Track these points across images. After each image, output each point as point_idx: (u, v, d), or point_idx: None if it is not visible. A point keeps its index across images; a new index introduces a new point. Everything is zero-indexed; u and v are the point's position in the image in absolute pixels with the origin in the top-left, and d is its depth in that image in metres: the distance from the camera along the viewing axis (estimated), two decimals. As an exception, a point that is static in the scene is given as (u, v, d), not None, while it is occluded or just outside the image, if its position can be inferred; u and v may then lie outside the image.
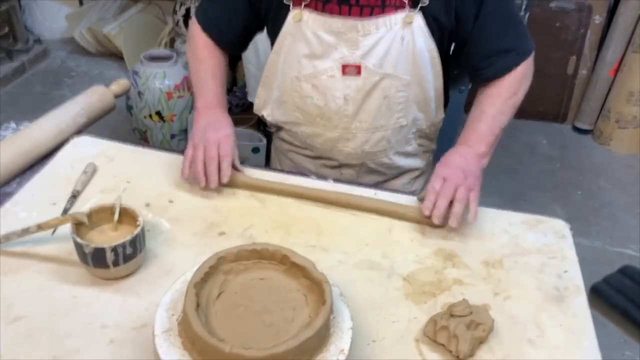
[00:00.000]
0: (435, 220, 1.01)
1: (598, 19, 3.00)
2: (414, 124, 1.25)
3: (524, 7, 2.59)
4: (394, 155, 1.29)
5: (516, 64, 1.15)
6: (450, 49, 1.21)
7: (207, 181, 1.08)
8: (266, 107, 1.30)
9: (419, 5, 1.07)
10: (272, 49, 1.20)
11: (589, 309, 0.92)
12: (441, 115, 1.28)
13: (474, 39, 1.13)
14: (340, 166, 1.30)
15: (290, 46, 1.15)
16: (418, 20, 1.08)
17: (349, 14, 1.08)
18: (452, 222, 1.00)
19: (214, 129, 1.12)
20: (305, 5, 1.10)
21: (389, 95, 1.16)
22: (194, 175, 1.09)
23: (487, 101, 1.15)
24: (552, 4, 2.99)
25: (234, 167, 1.12)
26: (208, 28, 1.22)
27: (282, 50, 1.16)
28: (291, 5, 1.11)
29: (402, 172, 1.35)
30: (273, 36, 1.18)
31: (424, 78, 1.16)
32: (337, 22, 1.09)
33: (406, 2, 1.07)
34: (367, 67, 1.12)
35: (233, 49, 1.27)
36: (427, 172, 1.40)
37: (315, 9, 1.09)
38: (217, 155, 1.08)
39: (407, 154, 1.31)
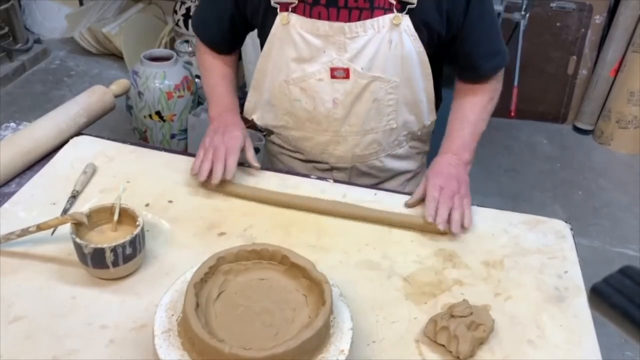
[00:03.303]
0: (441, 226, 1.04)
1: (598, 18, 3.00)
2: (405, 127, 1.25)
3: (524, 7, 2.59)
4: (385, 158, 1.29)
5: (501, 66, 1.21)
6: (439, 50, 1.21)
7: (211, 176, 1.09)
8: (256, 111, 1.30)
9: (407, 7, 1.06)
10: (261, 52, 1.19)
11: (589, 309, 0.92)
12: (432, 117, 1.28)
13: (463, 41, 1.14)
14: (332, 169, 1.30)
15: (279, 50, 1.14)
16: (406, 22, 1.08)
17: (337, 16, 1.07)
18: (455, 228, 1.04)
19: (222, 133, 1.15)
20: (292, 9, 1.09)
21: (378, 98, 1.16)
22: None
23: (468, 108, 1.21)
24: (553, 4, 2.99)
25: (246, 164, 1.17)
26: (200, 32, 1.28)
27: (270, 54, 1.16)
28: (278, 9, 1.10)
29: (394, 174, 1.34)
30: (262, 40, 1.18)
31: (413, 80, 1.16)
32: (324, 25, 1.08)
33: (394, 4, 1.06)
34: (355, 70, 1.11)
35: (222, 50, 1.29)
36: (420, 174, 1.39)
37: (303, 12, 1.09)
38: (224, 156, 1.10)
39: (399, 157, 1.31)
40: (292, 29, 1.10)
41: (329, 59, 1.11)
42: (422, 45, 1.11)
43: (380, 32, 1.08)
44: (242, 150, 1.16)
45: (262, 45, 1.18)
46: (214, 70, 1.29)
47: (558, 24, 3.03)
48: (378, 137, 1.23)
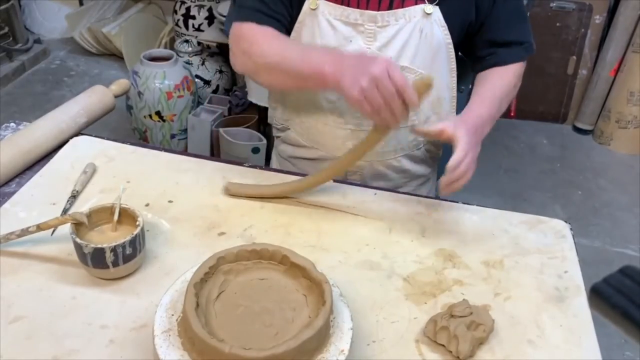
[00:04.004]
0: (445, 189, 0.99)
1: (598, 18, 3.01)
2: (425, 125, 1.23)
3: (524, 7, 2.59)
4: (403, 158, 1.27)
5: (522, 58, 1.19)
6: (465, 42, 1.21)
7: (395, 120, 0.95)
8: (278, 103, 1.28)
9: None
10: None
11: (589, 309, 0.92)
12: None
13: (485, 27, 1.15)
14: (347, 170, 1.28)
15: (305, 38, 1.13)
16: (437, 12, 1.08)
17: (367, 4, 1.07)
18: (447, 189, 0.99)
19: (370, 59, 0.93)
20: None
21: None
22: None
23: (498, 82, 1.16)
24: (553, 4, 2.99)
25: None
26: (259, 20, 1.09)
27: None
28: None
29: (408, 179, 1.32)
30: (288, 28, 1.16)
31: (439, 73, 1.16)
32: (355, 13, 1.08)
33: None
34: None
35: (287, 22, 1.13)
36: (432, 179, 1.38)
37: (335, 0, 1.08)
38: (394, 88, 0.91)
39: (415, 159, 1.29)
40: (320, 15, 1.09)
41: (356, 48, 1.10)
42: (450, 37, 1.12)
43: (411, 22, 1.08)
44: None
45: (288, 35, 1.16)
46: (278, 42, 1.07)
47: (558, 24, 3.03)
48: (399, 134, 1.22)
